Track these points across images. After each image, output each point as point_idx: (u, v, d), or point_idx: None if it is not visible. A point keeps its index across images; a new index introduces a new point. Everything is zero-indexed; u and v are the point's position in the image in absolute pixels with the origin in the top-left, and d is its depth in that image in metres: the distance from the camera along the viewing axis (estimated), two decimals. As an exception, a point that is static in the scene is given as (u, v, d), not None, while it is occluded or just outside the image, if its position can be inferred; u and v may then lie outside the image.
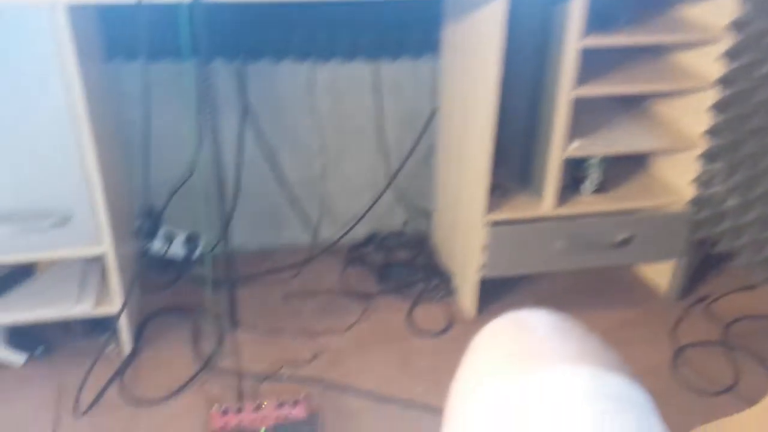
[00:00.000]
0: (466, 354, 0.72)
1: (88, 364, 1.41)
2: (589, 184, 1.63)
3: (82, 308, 1.44)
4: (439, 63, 1.77)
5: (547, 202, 1.56)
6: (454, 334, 1.64)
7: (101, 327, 1.55)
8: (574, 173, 1.63)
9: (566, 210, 1.58)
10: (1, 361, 1.47)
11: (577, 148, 1.50)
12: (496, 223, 1.55)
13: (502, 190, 1.61)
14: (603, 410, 0.56)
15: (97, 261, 1.56)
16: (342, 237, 1.95)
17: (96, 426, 1.34)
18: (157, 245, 1.79)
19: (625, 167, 1.73)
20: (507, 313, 0.71)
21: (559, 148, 1.48)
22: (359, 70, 1.76)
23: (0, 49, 1.18)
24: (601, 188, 1.64)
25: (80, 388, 1.38)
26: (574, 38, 1.37)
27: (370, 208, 1.93)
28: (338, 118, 1.81)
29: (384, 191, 1.91)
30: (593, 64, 1.46)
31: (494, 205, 1.55)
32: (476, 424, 0.59)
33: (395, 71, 1.78)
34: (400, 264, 1.89)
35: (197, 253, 1.83)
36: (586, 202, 1.62)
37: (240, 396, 1.41)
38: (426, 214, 1.98)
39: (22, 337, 1.48)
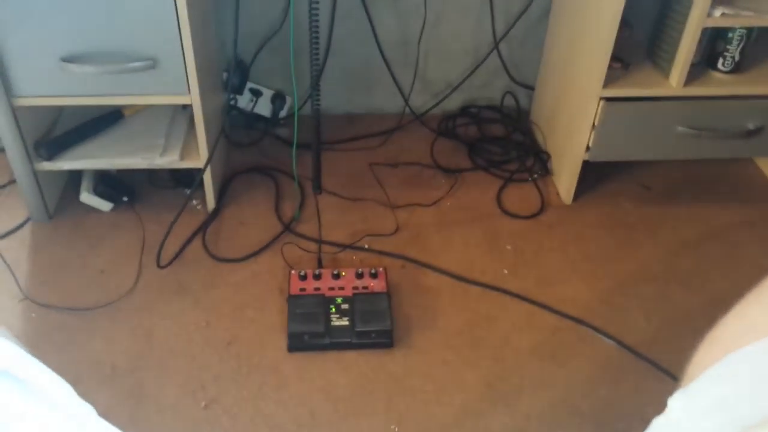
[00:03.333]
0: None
1: (172, 216, 1.41)
2: (724, 62, 1.41)
3: (168, 159, 1.42)
4: None
5: (673, 79, 1.37)
6: (546, 219, 1.53)
7: (186, 180, 1.54)
8: (709, 48, 1.42)
9: (694, 90, 1.38)
10: (90, 206, 1.49)
11: (721, 17, 1.28)
12: (611, 100, 1.38)
13: (623, 63, 1.42)
14: None
15: (184, 113, 1.53)
16: (435, 106, 1.82)
17: (176, 279, 1.35)
18: (243, 101, 1.74)
19: (767, 44, 1.49)
20: None
21: (699, 14, 1.26)
22: None
23: None
24: (736, 68, 1.42)
25: (163, 241, 1.38)
26: None
27: (468, 76, 1.78)
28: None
29: (485, 58, 1.75)
30: None
31: (611, 78, 1.37)
32: None
33: None
34: (493, 139, 1.77)
35: (284, 112, 1.77)
36: (719, 83, 1.41)
37: (319, 262, 1.38)
38: (528, 88, 1.81)
39: (109, 184, 1.49)
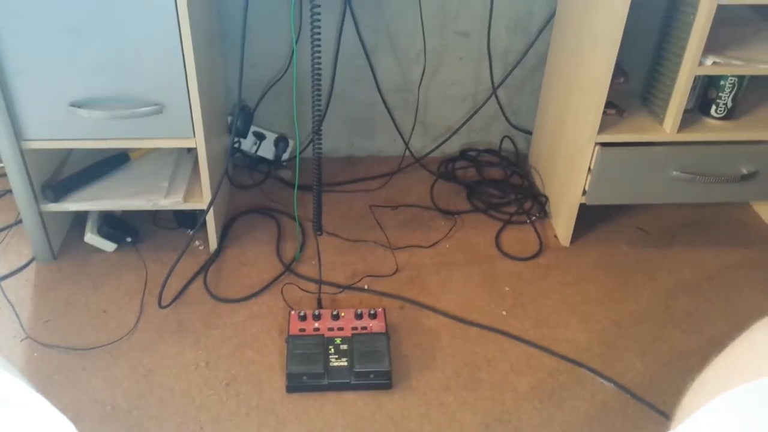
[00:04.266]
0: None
1: (174, 256, 1.43)
2: (717, 109, 1.45)
3: (172, 201, 1.45)
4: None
5: (667, 125, 1.40)
6: (544, 261, 1.54)
7: (189, 221, 1.57)
8: (702, 95, 1.45)
9: (687, 135, 1.42)
10: (94, 246, 1.51)
11: (712, 65, 1.32)
12: (606, 145, 1.41)
13: (617, 110, 1.46)
14: None
15: (189, 155, 1.56)
16: (434, 150, 1.86)
17: (177, 319, 1.36)
18: (247, 144, 1.77)
19: (759, 92, 1.53)
20: None
21: (691, 63, 1.30)
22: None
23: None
24: (729, 114, 1.46)
25: (165, 281, 1.40)
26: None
27: (467, 121, 1.82)
28: (443, 18, 1.68)
29: (484, 104, 1.79)
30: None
31: (607, 124, 1.40)
32: None
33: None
34: (492, 182, 1.79)
35: (286, 155, 1.80)
36: (711, 128, 1.44)
37: (319, 302, 1.40)
38: (525, 132, 1.85)
39: (113, 225, 1.51)
